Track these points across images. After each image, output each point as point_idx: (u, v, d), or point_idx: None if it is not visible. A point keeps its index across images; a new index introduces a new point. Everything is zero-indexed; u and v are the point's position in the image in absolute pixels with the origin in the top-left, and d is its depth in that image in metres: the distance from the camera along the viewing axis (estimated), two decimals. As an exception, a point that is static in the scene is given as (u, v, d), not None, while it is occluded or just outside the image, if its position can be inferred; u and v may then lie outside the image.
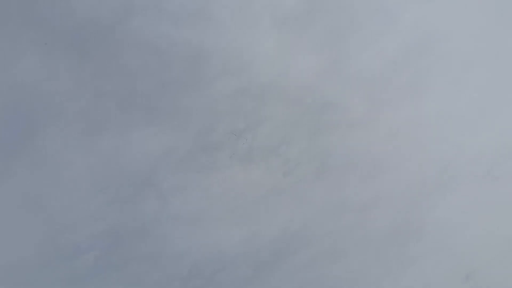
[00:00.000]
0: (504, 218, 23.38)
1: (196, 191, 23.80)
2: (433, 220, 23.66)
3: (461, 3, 25.19)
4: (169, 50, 24.23)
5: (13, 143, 22.93)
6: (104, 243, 22.58)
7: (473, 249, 23.06)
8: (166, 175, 23.55)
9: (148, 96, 23.86)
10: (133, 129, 23.51)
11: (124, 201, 22.94)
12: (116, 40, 23.97)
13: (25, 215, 22.50)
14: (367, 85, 24.85)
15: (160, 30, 24.32)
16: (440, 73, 24.91)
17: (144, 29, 24.28)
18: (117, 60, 23.89)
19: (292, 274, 22.93)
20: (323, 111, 24.91)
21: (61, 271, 22.07)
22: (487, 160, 24.05)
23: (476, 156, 24.13)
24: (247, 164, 24.30)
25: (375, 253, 23.35)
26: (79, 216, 22.49)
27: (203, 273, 22.87)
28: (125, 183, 23.06)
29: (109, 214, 22.65)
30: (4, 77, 23.24)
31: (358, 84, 24.84)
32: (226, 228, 23.58)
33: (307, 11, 25.03)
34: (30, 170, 22.79)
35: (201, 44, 24.47)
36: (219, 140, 24.40)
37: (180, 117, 24.14)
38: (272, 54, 24.91)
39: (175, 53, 24.36)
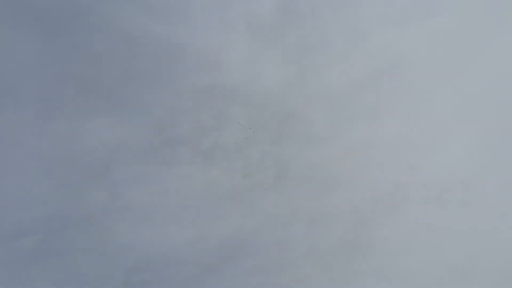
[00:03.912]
0: (448, 243, 24.15)
1: (151, 185, 23.66)
2: (381, 238, 24.24)
3: (429, 33, 26.15)
4: (139, 40, 24.08)
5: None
6: (48, 228, 22.12)
7: (416, 270, 23.73)
8: (121, 166, 23.34)
9: (112, 85, 23.59)
10: (92, 116, 23.21)
11: (73, 187, 22.59)
12: (86, 23, 23.56)
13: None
14: (330, 102, 25.49)
15: (134, 20, 24.12)
16: (401, 98, 25.74)
17: (117, 16, 23.97)
18: (84, 44, 23.51)
19: (238, 279, 23.02)
20: (286, 120, 25.42)
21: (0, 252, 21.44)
22: (437, 185, 24.85)
23: (427, 181, 24.92)
24: (208, 162, 24.37)
25: (322, 265, 23.72)
26: (24, 197, 21.97)
27: (149, 268, 22.72)
28: (76, 169, 22.71)
29: (56, 199, 22.22)
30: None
31: (322, 99, 25.44)
32: (177, 226, 23.51)
33: (281, 22, 25.50)
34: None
35: (173, 39, 24.45)
36: (182, 135, 24.39)
37: (142, 109, 24.00)
38: (243, 59, 25.20)
39: (145, 44, 24.24)
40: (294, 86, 25.42)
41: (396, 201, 24.82)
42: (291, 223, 24.08)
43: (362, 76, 25.64)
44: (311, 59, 25.52)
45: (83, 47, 23.57)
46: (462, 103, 25.71)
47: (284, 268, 23.42)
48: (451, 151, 25.39)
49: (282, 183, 24.64)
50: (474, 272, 23.23)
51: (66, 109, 22.93)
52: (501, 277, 23.08)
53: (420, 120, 25.64)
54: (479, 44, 25.95)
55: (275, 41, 25.47)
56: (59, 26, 23.57)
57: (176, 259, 22.95)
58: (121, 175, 23.38)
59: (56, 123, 22.75)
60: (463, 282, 23.17)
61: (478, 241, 23.63)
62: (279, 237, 23.83)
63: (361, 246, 24.17)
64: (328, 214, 24.42)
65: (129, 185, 23.35)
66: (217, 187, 24.21)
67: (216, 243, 23.47)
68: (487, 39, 25.86)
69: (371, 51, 25.81)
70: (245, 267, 23.25)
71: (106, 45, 23.85)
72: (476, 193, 24.51)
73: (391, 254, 23.97)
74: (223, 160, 24.55)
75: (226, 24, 25.15)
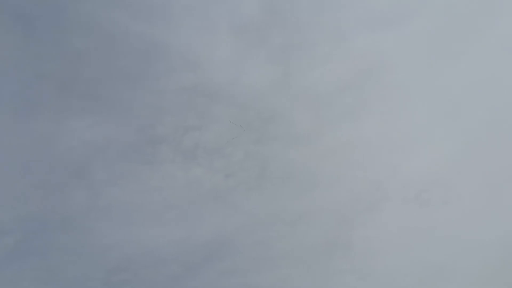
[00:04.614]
0: (427, 242, 24.39)
1: (132, 184, 23.57)
2: (361, 238, 24.38)
3: (410, 35, 26.54)
4: (121, 39, 23.95)
5: None
6: (27, 228, 21.87)
7: (396, 269, 23.91)
8: (102, 166, 23.23)
9: (93, 84, 23.41)
10: (72, 116, 23.03)
11: (53, 187, 22.41)
12: (65, 20, 23.20)
13: None
14: (312, 103, 25.75)
15: (114, 18, 23.90)
16: (381, 100, 26.11)
17: (98, 15, 23.70)
18: (64, 42, 23.20)
19: (219, 279, 22.95)
20: (270, 120, 25.58)
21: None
22: (416, 185, 25.13)
23: (407, 180, 25.20)
24: (190, 161, 24.35)
25: (303, 265, 23.76)
26: (3, 196, 21.69)
27: (130, 268, 22.56)
28: (56, 169, 22.52)
29: (36, 198, 21.99)
30: None
31: (305, 100, 25.69)
32: (159, 225, 23.44)
33: (265, 24, 25.67)
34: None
35: (156, 38, 24.39)
36: (164, 134, 24.29)
37: (124, 108, 23.94)
38: (226, 59, 25.30)
39: (127, 43, 24.15)
40: (277, 86, 25.63)
41: (376, 201, 25.09)
42: (272, 223, 24.19)
43: (344, 77, 25.96)
44: (294, 60, 25.79)
45: (64, 45, 23.33)
46: (441, 105, 26.17)
47: (266, 268, 23.48)
48: (431, 151, 25.75)
49: (264, 183, 24.80)
50: (452, 270, 23.55)
51: (46, 108, 22.71)
52: (480, 275, 23.47)
53: (400, 121, 26.05)
54: (458, 47, 26.43)
55: (259, 41, 25.64)
56: (38, 24, 23.25)
57: (157, 258, 22.87)
58: (102, 175, 23.29)
59: (36, 122, 22.53)
60: (441, 281, 23.50)
61: (457, 240, 23.96)
62: (261, 237, 23.88)
63: (342, 245, 24.33)
64: (309, 214, 24.59)
65: (110, 185, 23.23)
66: (199, 187, 24.23)
67: (197, 243, 23.45)
68: (467, 42, 26.33)
69: (353, 52, 26.13)
70: (226, 266, 23.24)
71: (87, 44, 23.68)
72: (454, 193, 24.93)
73: (371, 253, 24.12)
74: (205, 160, 24.58)
75: (209, 24, 25.21)
